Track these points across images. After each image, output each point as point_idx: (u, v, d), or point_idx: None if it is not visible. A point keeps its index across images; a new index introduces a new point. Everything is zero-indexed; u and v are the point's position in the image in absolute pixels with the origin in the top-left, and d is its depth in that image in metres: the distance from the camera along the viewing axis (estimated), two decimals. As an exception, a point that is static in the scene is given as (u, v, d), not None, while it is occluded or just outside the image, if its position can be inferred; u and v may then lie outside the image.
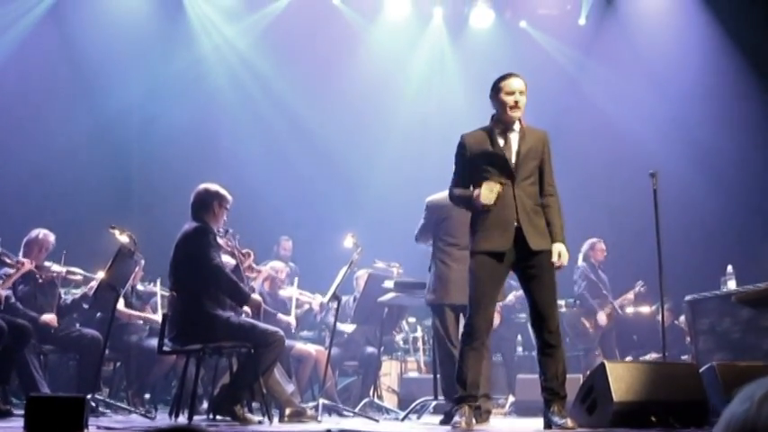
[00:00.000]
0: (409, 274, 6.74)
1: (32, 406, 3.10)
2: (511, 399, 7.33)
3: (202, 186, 5.12)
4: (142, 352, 6.48)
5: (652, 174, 5.58)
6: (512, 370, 7.81)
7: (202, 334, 4.77)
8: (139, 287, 6.89)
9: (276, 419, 5.01)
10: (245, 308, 5.02)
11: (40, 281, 5.98)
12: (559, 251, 4.21)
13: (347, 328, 7.43)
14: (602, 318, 7.90)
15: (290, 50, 9.90)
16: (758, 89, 9.46)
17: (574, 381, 5.28)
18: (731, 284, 6.27)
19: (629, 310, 8.32)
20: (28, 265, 5.80)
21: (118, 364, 6.68)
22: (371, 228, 8.12)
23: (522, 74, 4.32)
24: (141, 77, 9.41)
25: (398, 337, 8.57)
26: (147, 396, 6.66)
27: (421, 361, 8.47)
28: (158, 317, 6.30)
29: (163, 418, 5.46)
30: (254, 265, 5.75)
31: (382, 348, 7.22)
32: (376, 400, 6.85)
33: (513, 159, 4.20)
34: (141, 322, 6.73)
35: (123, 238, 5.52)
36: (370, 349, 7.32)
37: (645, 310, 8.41)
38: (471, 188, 4.24)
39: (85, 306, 6.16)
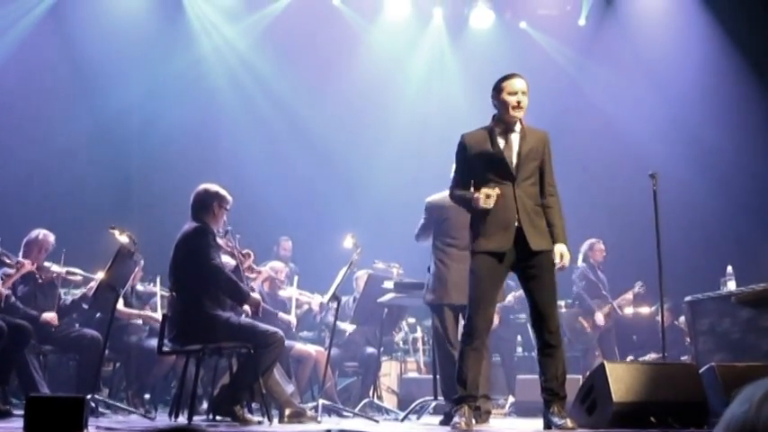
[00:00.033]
0: (409, 274, 6.74)
1: (32, 406, 3.10)
2: (510, 399, 7.33)
3: (202, 187, 5.12)
4: (142, 352, 6.48)
5: (652, 174, 5.58)
6: (511, 370, 7.81)
7: (202, 334, 4.77)
8: (139, 287, 6.89)
9: (276, 420, 5.01)
10: (245, 307, 5.02)
11: (40, 281, 5.98)
12: (561, 252, 4.21)
13: (347, 326, 7.42)
14: (599, 318, 7.90)
15: (290, 51, 9.90)
16: (758, 89, 9.46)
17: (573, 381, 5.29)
18: (731, 285, 6.26)
19: (629, 310, 8.32)
20: (28, 265, 5.80)
21: (117, 364, 6.67)
22: (371, 228, 8.12)
23: (522, 74, 4.32)
24: (141, 78, 9.41)
25: (398, 338, 8.57)
26: (147, 396, 6.65)
27: (420, 361, 8.47)
28: (158, 315, 6.31)
29: (162, 419, 5.47)
30: (254, 266, 5.75)
31: (382, 349, 7.22)
32: (376, 400, 6.84)
33: (515, 160, 4.20)
34: (141, 322, 6.72)
35: (123, 239, 5.52)
36: (369, 350, 7.31)
37: (644, 310, 8.41)
38: (471, 188, 4.25)
39: (85, 306, 6.15)
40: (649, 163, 6.55)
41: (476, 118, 4.63)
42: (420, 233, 5.45)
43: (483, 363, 4.37)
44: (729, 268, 6.42)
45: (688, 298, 6.35)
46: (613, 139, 9.88)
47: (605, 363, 4.34)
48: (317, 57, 9.91)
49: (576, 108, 9.95)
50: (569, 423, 4.03)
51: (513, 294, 7.62)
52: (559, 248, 4.22)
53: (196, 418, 5.06)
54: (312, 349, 7.01)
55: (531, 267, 4.18)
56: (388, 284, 6.19)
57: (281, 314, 6.90)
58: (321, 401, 5.62)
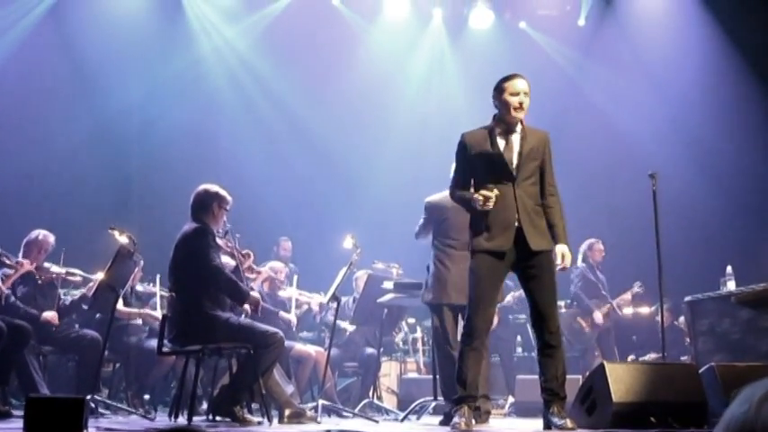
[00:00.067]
0: (409, 274, 6.74)
1: (32, 407, 3.10)
2: (510, 399, 7.33)
3: (202, 187, 5.12)
4: (142, 353, 6.47)
5: (651, 174, 5.58)
6: (510, 370, 7.81)
7: (202, 335, 4.77)
8: (138, 288, 6.88)
9: (276, 420, 5.01)
10: (245, 306, 5.02)
11: (40, 282, 5.98)
12: (563, 253, 4.22)
13: (347, 326, 7.42)
14: (597, 316, 7.88)
15: (290, 51, 9.90)
16: (758, 90, 9.46)
17: (573, 381, 5.28)
18: (731, 285, 6.26)
19: (628, 310, 8.31)
20: (27, 265, 5.80)
21: (117, 365, 6.67)
22: (371, 228, 8.13)
23: (524, 75, 4.31)
24: (141, 78, 9.41)
25: (398, 338, 8.57)
26: (147, 397, 6.65)
27: (420, 362, 8.47)
28: (158, 313, 6.32)
29: (162, 419, 5.47)
30: (254, 266, 5.75)
31: (382, 349, 7.22)
32: (375, 400, 6.84)
33: (515, 160, 4.19)
34: (140, 323, 6.72)
35: (123, 239, 5.52)
36: (369, 350, 7.31)
37: (644, 310, 8.41)
38: (471, 188, 4.25)
39: (85, 307, 6.15)
40: (649, 163, 6.54)
41: (475, 118, 4.63)
42: (420, 231, 5.46)
43: (483, 363, 4.37)
44: (729, 268, 6.42)
45: (688, 298, 6.35)
46: (613, 139, 9.89)
47: (605, 363, 4.34)
48: (317, 57, 9.91)
49: (575, 108, 9.95)
50: (569, 423, 4.03)
51: (512, 295, 7.62)
52: (561, 249, 4.22)
53: (196, 419, 5.06)
54: (312, 350, 7.01)
55: (531, 267, 4.18)
56: (388, 285, 6.19)
57: (281, 313, 6.91)
58: (321, 402, 5.62)
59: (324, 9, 9.99)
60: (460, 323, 4.66)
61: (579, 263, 8.02)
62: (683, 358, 7.34)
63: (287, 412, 5.15)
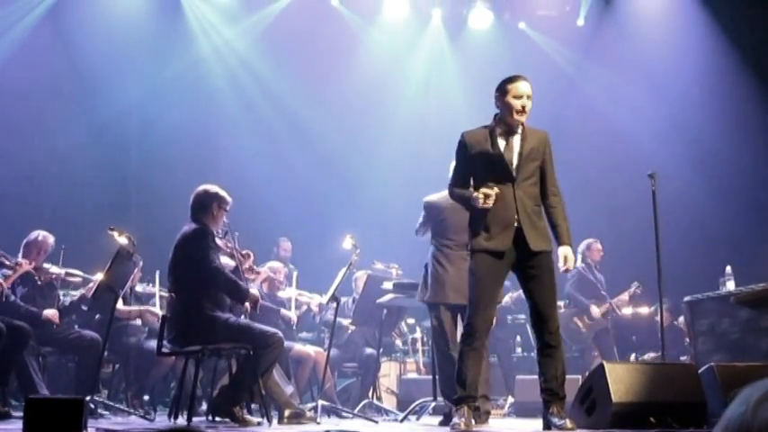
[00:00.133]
0: (408, 275, 6.73)
1: (31, 408, 3.10)
2: (510, 400, 7.33)
3: (202, 188, 5.12)
4: (141, 353, 6.47)
5: (651, 175, 5.58)
6: (509, 371, 7.80)
7: (201, 335, 4.77)
8: (138, 288, 6.88)
9: (275, 421, 5.01)
10: (245, 303, 5.02)
11: (39, 282, 5.97)
12: (566, 254, 4.22)
13: (347, 322, 7.42)
14: (595, 311, 7.86)
15: (289, 52, 9.90)
16: (757, 90, 9.46)
17: (573, 382, 5.29)
18: (730, 285, 6.27)
19: (627, 310, 8.31)
20: (26, 265, 5.79)
21: (117, 365, 6.67)
22: (370, 229, 8.13)
23: (526, 76, 4.30)
24: (140, 78, 9.41)
25: (398, 339, 8.57)
26: (147, 398, 6.65)
27: (420, 362, 8.47)
28: (157, 310, 6.32)
29: (162, 420, 5.47)
30: (254, 267, 5.75)
31: (381, 350, 7.22)
32: (375, 401, 6.84)
33: (515, 160, 4.19)
34: (140, 323, 6.72)
35: (122, 240, 5.53)
36: (369, 350, 7.31)
37: (643, 310, 8.40)
38: (471, 187, 4.24)
39: (84, 308, 6.15)
40: (648, 163, 6.54)
41: (475, 118, 4.62)
42: (419, 229, 5.47)
43: (483, 363, 4.37)
44: (728, 268, 6.42)
45: (687, 298, 6.35)
46: (612, 139, 9.89)
47: (604, 363, 4.34)
48: (317, 57, 9.91)
49: (575, 108, 9.94)
50: (569, 424, 4.03)
51: (510, 295, 7.62)
52: (564, 251, 4.22)
53: (195, 420, 5.06)
54: (311, 350, 7.02)
55: (531, 268, 4.18)
56: (388, 285, 6.19)
57: (282, 311, 6.91)
58: (320, 402, 5.62)
59: (323, 9, 10.00)
60: (459, 323, 4.66)
61: (578, 263, 8.01)
62: (683, 358, 7.34)
63: (286, 413, 5.15)
